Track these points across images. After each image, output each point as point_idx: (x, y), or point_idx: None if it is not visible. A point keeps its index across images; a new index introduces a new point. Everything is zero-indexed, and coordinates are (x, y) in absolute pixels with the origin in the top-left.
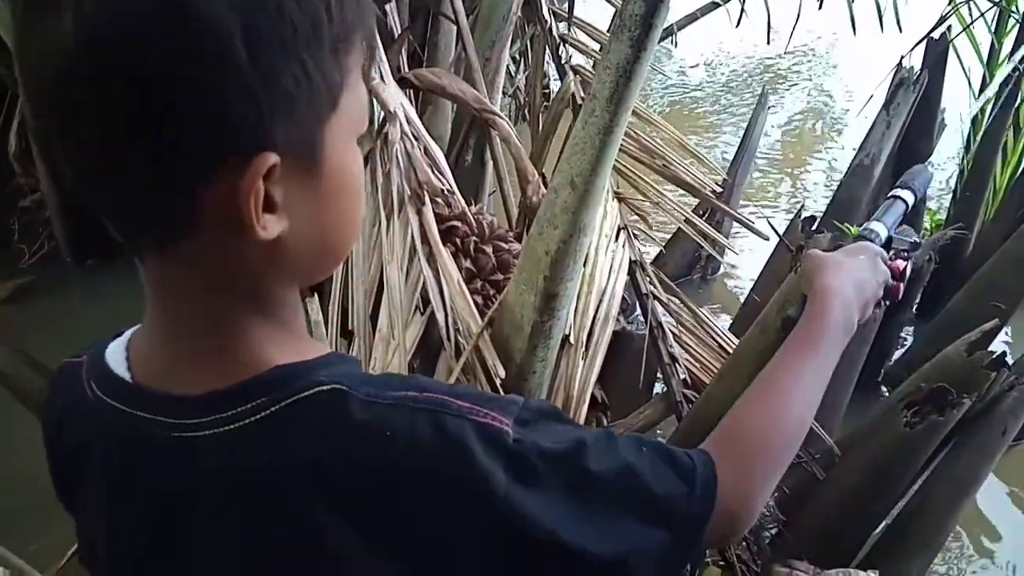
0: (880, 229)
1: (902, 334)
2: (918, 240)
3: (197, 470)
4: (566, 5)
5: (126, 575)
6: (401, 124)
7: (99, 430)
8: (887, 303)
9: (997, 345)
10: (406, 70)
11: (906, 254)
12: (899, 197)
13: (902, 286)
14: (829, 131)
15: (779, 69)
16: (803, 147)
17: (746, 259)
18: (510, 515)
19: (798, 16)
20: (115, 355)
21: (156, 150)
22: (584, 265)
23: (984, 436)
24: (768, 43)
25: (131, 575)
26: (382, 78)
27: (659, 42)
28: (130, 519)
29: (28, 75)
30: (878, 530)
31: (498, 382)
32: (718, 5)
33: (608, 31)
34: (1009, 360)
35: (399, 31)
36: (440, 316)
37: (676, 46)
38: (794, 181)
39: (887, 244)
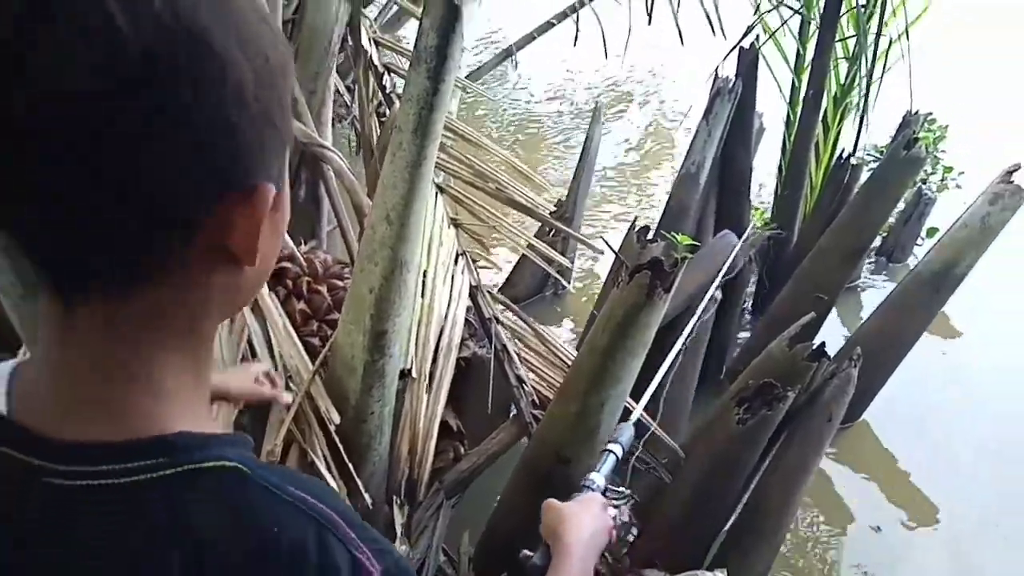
0: (599, 479)
1: (740, 331)
2: (627, 492)
3: (54, 521)
4: (388, 34)
5: None
6: None
7: None
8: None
9: (827, 333)
10: None
11: (615, 503)
12: (611, 451)
13: (614, 532)
14: (668, 143)
15: (622, 88)
16: (648, 161)
17: (602, 267)
18: None
19: (629, 31)
20: None
21: (166, 178)
22: (423, 296)
23: (810, 425)
24: (606, 58)
25: None
26: None
27: (500, 63)
28: None
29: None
30: (727, 527)
31: (332, 428)
32: (553, 25)
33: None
34: (833, 348)
35: None
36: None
37: (516, 67)
38: (640, 195)
39: (604, 492)
